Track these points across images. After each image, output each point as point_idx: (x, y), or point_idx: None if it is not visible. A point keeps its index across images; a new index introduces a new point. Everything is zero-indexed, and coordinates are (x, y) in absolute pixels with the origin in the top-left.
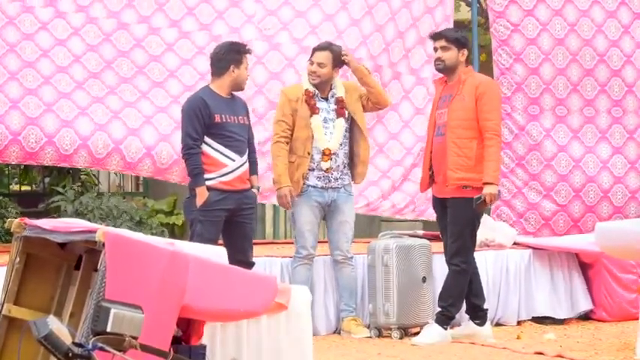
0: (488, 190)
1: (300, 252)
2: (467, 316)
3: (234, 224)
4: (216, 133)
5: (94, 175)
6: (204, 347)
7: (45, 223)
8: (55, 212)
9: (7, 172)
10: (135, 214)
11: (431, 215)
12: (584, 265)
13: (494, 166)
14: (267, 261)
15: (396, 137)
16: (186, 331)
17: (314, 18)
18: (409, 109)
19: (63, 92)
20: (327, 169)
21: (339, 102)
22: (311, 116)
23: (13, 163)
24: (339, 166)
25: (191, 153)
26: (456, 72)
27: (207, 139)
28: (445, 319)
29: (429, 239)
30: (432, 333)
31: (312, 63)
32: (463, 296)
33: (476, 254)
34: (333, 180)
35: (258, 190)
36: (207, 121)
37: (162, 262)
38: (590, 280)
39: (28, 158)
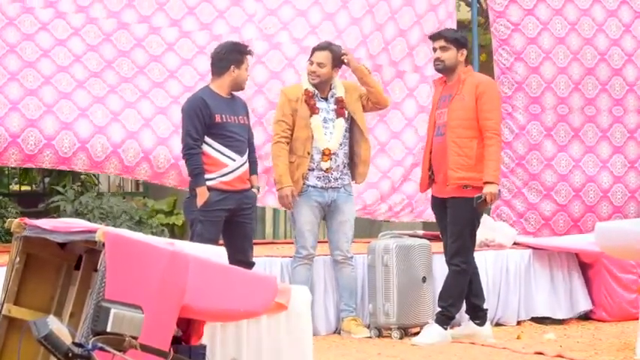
0: (488, 189)
1: (300, 252)
2: (467, 316)
3: (234, 224)
4: (216, 133)
5: (93, 175)
6: (204, 347)
7: (45, 223)
8: (55, 212)
9: (7, 172)
10: (135, 214)
11: (430, 216)
12: (584, 265)
13: (494, 166)
14: (267, 261)
15: (398, 136)
16: (186, 331)
17: (314, 17)
18: (413, 107)
19: (63, 92)
20: (327, 169)
21: (339, 102)
22: (311, 116)
23: (12, 165)
24: (338, 166)
25: (191, 153)
26: (456, 72)
27: (207, 139)
28: (445, 319)
29: (429, 239)
30: (432, 333)
31: (311, 63)
32: (463, 296)
33: (476, 254)
34: (333, 180)
35: (258, 190)
36: (208, 121)
37: (162, 262)
38: (590, 280)
39: (27, 161)
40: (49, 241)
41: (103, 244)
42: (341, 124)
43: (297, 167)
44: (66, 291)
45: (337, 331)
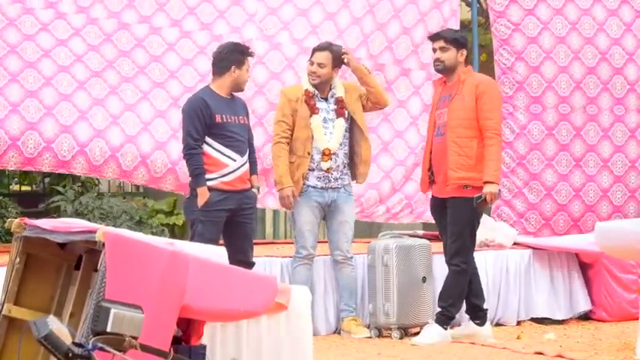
0: (488, 189)
1: (300, 252)
2: (467, 316)
3: (234, 224)
4: (217, 133)
5: None
6: (204, 347)
7: (45, 223)
8: (55, 212)
9: (7, 172)
10: (135, 214)
11: (430, 217)
12: (584, 265)
13: (494, 165)
14: (267, 261)
15: (402, 135)
16: (186, 331)
17: (315, 17)
18: (418, 105)
19: (64, 94)
20: (328, 169)
21: (339, 102)
22: (311, 116)
23: (12, 168)
24: (338, 166)
25: (192, 153)
26: (456, 72)
27: (208, 139)
28: (445, 319)
29: (429, 239)
30: (432, 333)
31: (312, 63)
32: (463, 296)
33: (476, 254)
34: (333, 180)
35: (258, 190)
36: (208, 121)
37: (162, 262)
38: (590, 280)
39: (27, 164)
40: (49, 241)
41: (103, 244)
42: (341, 124)
43: (297, 167)
44: (66, 291)
45: (337, 331)
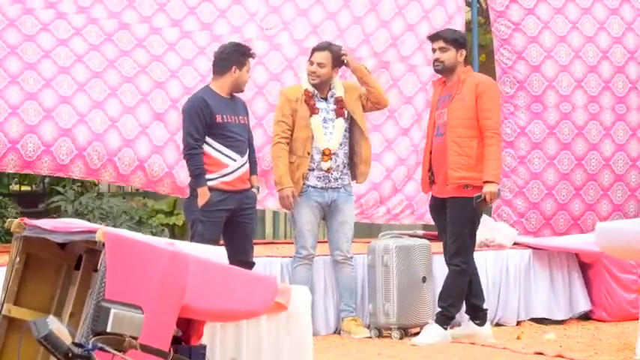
0: (488, 188)
1: (300, 252)
2: (467, 317)
3: (234, 224)
4: (217, 133)
5: None
6: (204, 347)
7: (45, 223)
8: (55, 212)
9: (7, 172)
10: (135, 214)
11: (430, 218)
12: (584, 265)
13: (494, 165)
14: (267, 261)
15: (407, 133)
16: (186, 331)
17: (316, 17)
18: (424, 101)
19: (63, 96)
20: (328, 169)
21: (339, 102)
22: (310, 116)
23: (11, 171)
24: (338, 166)
25: (192, 153)
26: (455, 72)
27: (208, 139)
28: (445, 319)
29: (429, 239)
30: (432, 333)
31: (311, 63)
32: (463, 296)
33: (476, 254)
34: (332, 180)
35: (258, 190)
36: (209, 121)
37: (162, 262)
38: (590, 280)
39: (26, 167)
40: (49, 241)
41: (103, 244)
42: (341, 124)
43: (297, 167)
44: (66, 291)
45: (337, 331)
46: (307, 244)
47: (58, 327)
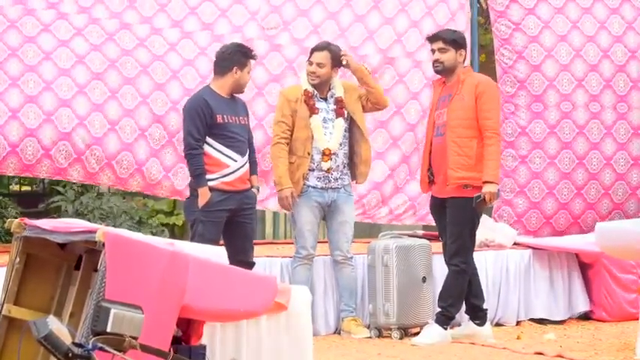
0: (487, 188)
1: (300, 252)
2: (467, 317)
3: (235, 224)
4: (218, 133)
5: None
6: (204, 347)
7: (45, 223)
8: (55, 212)
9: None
10: (135, 214)
11: (432, 219)
12: (584, 265)
13: (494, 165)
14: (267, 261)
15: (414, 129)
16: (186, 331)
17: (316, 16)
18: (429, 97)
19: (63, 99)
20: (328, 169)
21: (339, 102)
22: (310, 116)
23: (11, 174)
24: (338, 166)
25: (193, 154)
26: (455, 72)
27: (209, 139)
28: (445, 319)
29: (429, 239)
30: (432, 333)
31: (311, 63)
32: (463, 296)
33: (476, 254)
34: (332, 180)
35: (258, 190)
36: (209, 121)
37: (162, 262)
38: (590, 280)
39: (25, 170)
40: (49, 241)
41: (103, 244)
42: (340, 124)
43: (297, 168)
44: (66, 291)
45: (337, 331)
46: (307, 244)
47: (58, 327)
